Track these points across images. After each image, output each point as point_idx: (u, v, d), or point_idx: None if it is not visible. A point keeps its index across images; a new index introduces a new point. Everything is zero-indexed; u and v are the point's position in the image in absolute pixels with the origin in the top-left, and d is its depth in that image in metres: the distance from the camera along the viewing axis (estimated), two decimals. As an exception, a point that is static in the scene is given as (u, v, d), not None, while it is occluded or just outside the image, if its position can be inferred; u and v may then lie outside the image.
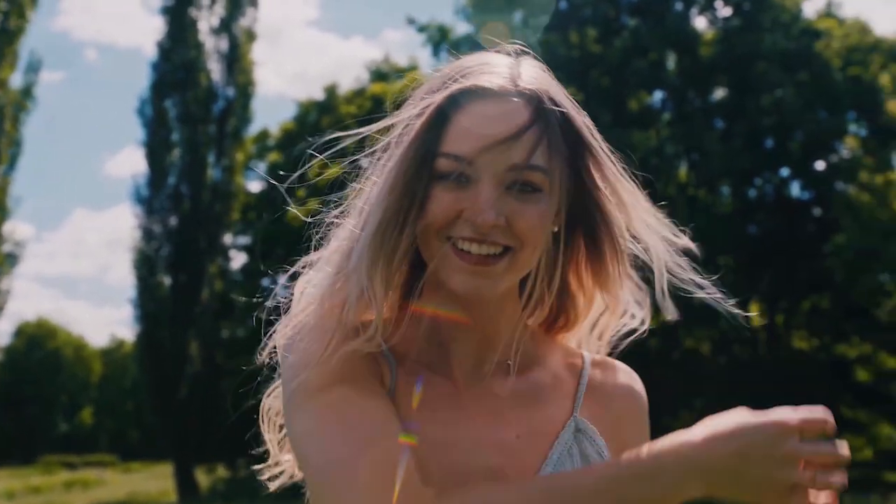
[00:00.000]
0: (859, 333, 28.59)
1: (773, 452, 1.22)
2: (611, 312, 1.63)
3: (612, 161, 1.54)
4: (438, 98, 1.42)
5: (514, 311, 1.49)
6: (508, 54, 1.51)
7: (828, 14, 30.89)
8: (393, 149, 1.45)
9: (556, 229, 1.47)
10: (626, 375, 1.63)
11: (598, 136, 1.52)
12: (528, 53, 1.53)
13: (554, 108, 1.43)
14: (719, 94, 30.13)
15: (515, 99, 1.41)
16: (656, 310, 1.68)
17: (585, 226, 1.52)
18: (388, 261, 1.40)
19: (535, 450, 1.44)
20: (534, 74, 1.47)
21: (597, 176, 1.50)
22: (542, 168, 1.39)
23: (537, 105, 1.41)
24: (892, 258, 22.91)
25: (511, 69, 1.46)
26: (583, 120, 1.50)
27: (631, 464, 1.26)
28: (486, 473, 1.38)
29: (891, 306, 24.92)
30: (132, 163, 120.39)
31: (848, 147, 28.34)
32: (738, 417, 1.26)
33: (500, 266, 1.39)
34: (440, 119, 1.41)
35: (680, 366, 28.61)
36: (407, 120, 1.45)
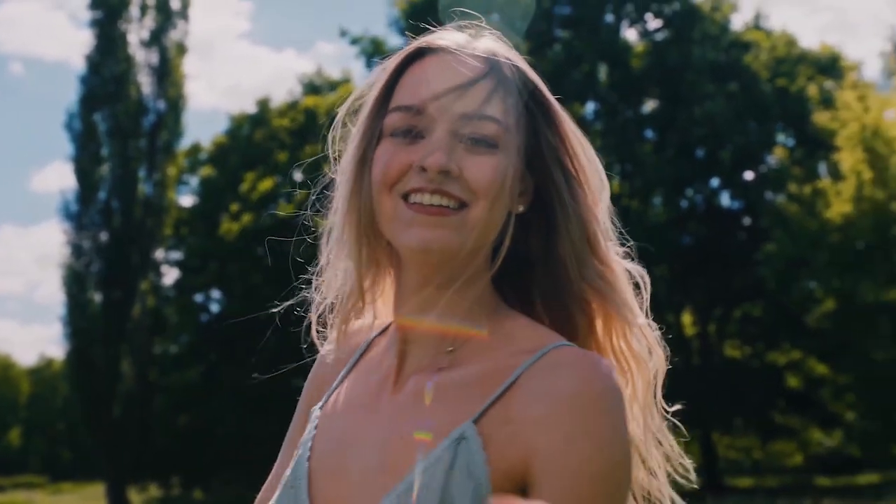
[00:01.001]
0: (790, 340, 29.05)
1: None
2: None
3: (573, 128, 1.49)
4: (393, 60, 1.41)
5: (461, 296, 1.37)
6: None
7: (756, 27, 31.46)
8: (356, 117, 1.43)
9: (521, 208, 1.41)
10: (569, 374, 1.25)
11: (557, 103, 1.47)
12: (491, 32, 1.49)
13: (511, 66, 1.40)
14: (651, 105, 30.49)
15: (470, 56, 1.37)
16: None
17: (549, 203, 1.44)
18: (365, 232, 1.39)
19: (412, 456, 1.27)
20: (492, 40, 1.45)
21: (558, 141, 1.45)
22: (496, 119, 1.33)
23: (493, 62, 1.38)
24: (821, 266, 23.31)
25: (469, 35, 1.45)
26: (543, 85, 1.45)
27: None
28: (363, 474, 1.30)
29: (820, 313, 25.34)
30: (60, 178, 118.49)
31: (776, 157, 28.83)
32: None
33: (454, 218, 1.31)
34: (394, 79, 1.39)
35: (615, 375, 28.83)
36: (365, 88, 1.44)
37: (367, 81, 1.46)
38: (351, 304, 1.44)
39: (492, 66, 1.37)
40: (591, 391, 1.23)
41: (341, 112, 1.49)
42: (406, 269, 1.39)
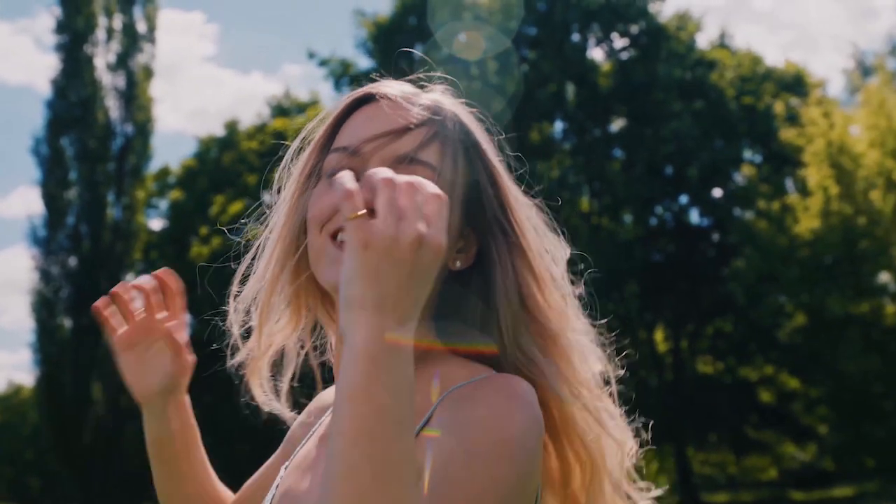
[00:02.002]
0: (762, 355, 29.21)
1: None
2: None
3: (515, 191, 1.48)
4: (337, 106, 1.43)
5: None
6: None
7: (721, 45, 31.74)
8: (299, 157, 1.45)
9: (458, 264, 1.38)
10: (473, 391, 1.23)
11: (499, 159, 1.47)
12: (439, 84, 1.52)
13: (454, 118, 1.41)
14: (618, 123, 30.65)
15: (412, 105, 1.38)
16: None
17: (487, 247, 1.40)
18: (291, 269, 1.40)
19: None
20: (439, 93, 1.47)
21: (498, 199, 1.43)
22: (430, 164, 1.32)
23: (435, 112, 1.39)
24: (791, 281, 23.48)
25: (413, 86, 1.46)
26: (486, 139, 1.46)
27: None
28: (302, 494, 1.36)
29: (790, 328, 25.51)
30: (27, 203, 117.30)
31: (744, 174, 29.05)
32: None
33: None
34: (338, 124, 1.41)
35: (588, 393, 28.83)
36: (311, 129, 1.46)
37: (309, 125, 1.47)
38: (258, 352, 1.48)
39: (433, 115, 1.38)
40: (479, 399, 1.20)
41: (288, 152, 1.49)
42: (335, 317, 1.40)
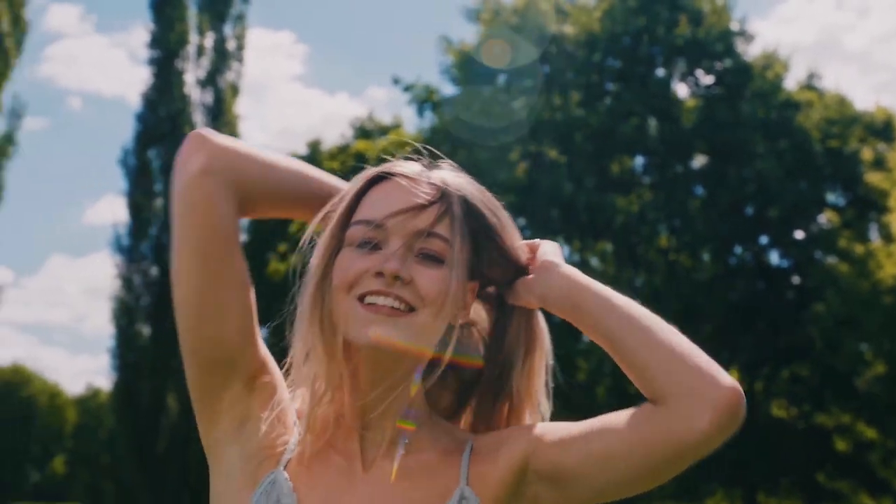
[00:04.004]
0: (838, 403, 28.60)
1: None
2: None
3: (512, 254, 1.71)
4: (357, 182, 1.65)
5: (407, 393, 1.60)
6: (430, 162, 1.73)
7: (808, 86, 31.31)
8: (326, 227, 1.65)
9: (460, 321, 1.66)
10: (512, 432, 1.68)
11: (505, 236, 1.70)
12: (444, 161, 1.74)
13: (459, 195, 1.63)
14: (700, 160, 30.39)
15: (425, 183, 1.61)
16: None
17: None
18: (322, 328, 1.58)
19: None
20: (446, 171, 1.69)
21: (497, 262, 1.68)
22: (443, 237, 1.57)
23: (444, 191, 1.62)
24: (872, 327, 22.99)
25: (425, 165, 1.69)
26: (492, 213, 1.69)
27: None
28: None
29: (870, 376, 24.96)
30: (112, 211, 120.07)
31: (826, 217, 28.58)
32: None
33: (404, 320, 1.52)
34: (358, 197, 1.63)
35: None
36: (337, 201, 1.65)
37: (333, 200, 1.67)
38: (323, 401, 1.60)
39: (443, 193, 1.61)
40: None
41: (314, 221, 1.69)
42: (362, 366, 1.58)
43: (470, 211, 1.63)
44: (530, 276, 1.67)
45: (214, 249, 1.49)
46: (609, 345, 1.57)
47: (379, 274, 1.52)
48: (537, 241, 1.74)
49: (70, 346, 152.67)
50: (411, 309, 1.52)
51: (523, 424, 1.70)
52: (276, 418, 1.60)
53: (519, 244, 1.72)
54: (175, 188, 1.50)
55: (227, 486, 1.57)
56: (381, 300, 1.51)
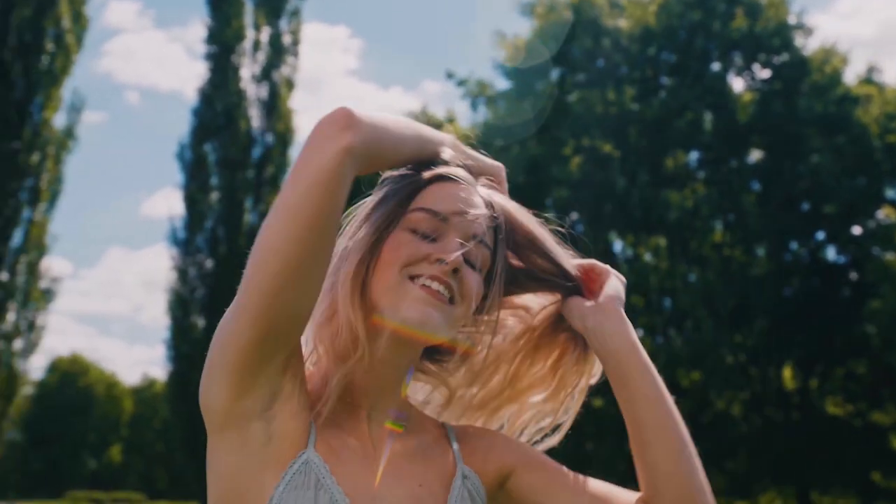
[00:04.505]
0: (895, 400, 28.24)
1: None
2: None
3: (555, 268, 1.84)
4: (420, 174, 1.72)
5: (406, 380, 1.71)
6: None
7: (868, 80, 30.85)
8: (379, 204, 1.72)
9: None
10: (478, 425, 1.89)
11: (548, 249, 1.81)
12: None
13: (502, 211, 1.76)
14: (756, 155, 30.10)
15: (476, 194, 1.72)
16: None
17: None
18: (358, 297, 1.63)
19: (437, 498, 1.64)
20: (487, 184, 1.80)
21: (537, 276, 1.83)
22: (490, 247, 1.69)
23: (489, 203, 1.73)
24: (930, 325, 22.68)
25: (473, 177, 1.78)
26: (533, 226, 1.81)
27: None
28: None
29: (927, 374, 24.63)
30: (168, 204, 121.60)
31: (885, 213, 28.19)
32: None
33: (447, 308, 1.61)
34: (418, 186, 1.70)
35: (710, 428, 28.33)
36: (393, 182, 1.74)
37: (395, 174, 1.77)
38: (348, 366, 1.66)
39: (491, 205, 1.72)
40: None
41: (387, 173, 1.78)
42: (385, 344, 1.64)
43: (513, 226, 1.76)
44: (589, 304, 1.78)
45: (328, 225, 1.48)
46: (635, 429, 1.72)
47: (439, 261, 1.60)
48: (598, 264, 1.84)
49: (127, 337, 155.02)
50: (451, 301, 1.62)
51: (509, 437, 1.84)
52: (303, 399, 1.62)
53: (566, 258, 1.82)
54: (308, 158, 1.46)
55: (246, 463, 1.57)
56: (435, 285, 1.59)
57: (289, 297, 1.50)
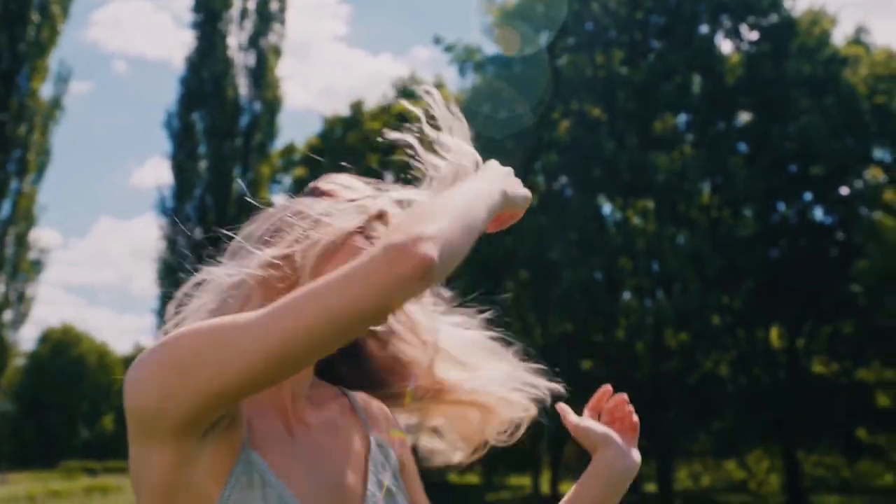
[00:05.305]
0: (880, 358, 28.49)
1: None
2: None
3: None
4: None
5: None
6: None
7: (856, 41, 30.88)
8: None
9: None
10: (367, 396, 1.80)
11: None
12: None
13: None
14: (744, 117, 30.16)
15: None
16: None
17: None
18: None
19: (358, 469, 1.62)
20: None
21: None
22: None
23: None
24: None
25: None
26: None
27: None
28: (339, 489, 1.57)
29: (913, 332, 24.84)
30: (157, 174, 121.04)
31: (872, 173, 28.33)
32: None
33: None
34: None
35: (698, 389, 28.58)
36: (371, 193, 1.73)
37: (372, 191, 1.73)
38: None
39: None
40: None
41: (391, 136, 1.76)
42: None
43: None
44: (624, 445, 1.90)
45: (353, 335, 1.38)
46: None
47: None
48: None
49: (117, 307, 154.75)
50: None
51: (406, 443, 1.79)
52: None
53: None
54: (369, 290, 1.32)
55: (188, 477, 1.42)
56: None
57: (302, 365, 1.39)
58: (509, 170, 1.64)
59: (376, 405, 1.78)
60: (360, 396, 1.77)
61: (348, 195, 1.72)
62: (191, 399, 1.33)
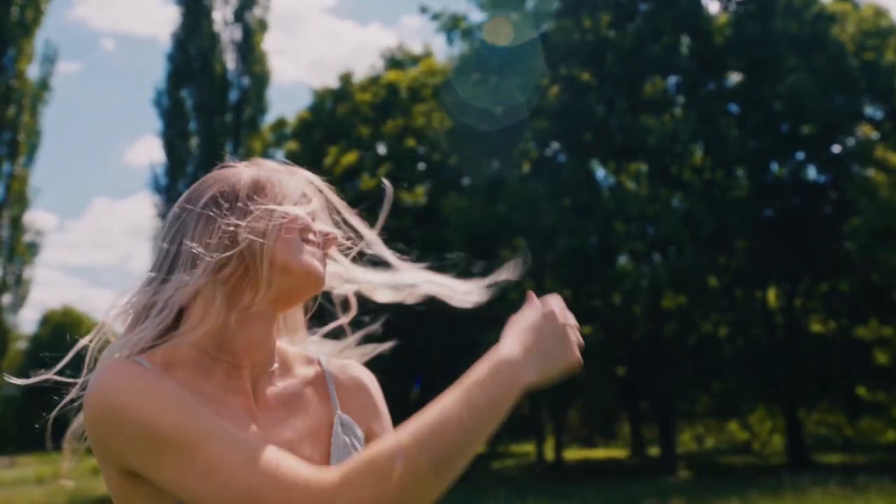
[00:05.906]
0: (878, 315, 28.58)
1: (560, 330, 1.56)
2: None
3: None
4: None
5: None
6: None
7: (843, -2, 30.76)
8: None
9: None
10: (357, 369, 1.79)
11: None
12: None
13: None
14: (734, 78, 30.10)
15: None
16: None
17: None
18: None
19: (318, 450, 1.60)
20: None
21: None
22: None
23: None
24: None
25: None
26: None
27: (473, 380, 1.45)
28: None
29: (908, 288, 24.93)
30: (150, 152, 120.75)
31: (863, 131, 28.30)
32: (528, 318, 1.58)
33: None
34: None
35: (696, 350, 28.68)
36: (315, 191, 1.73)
37: (313, 190, 1.72)
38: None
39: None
40: (371, 375, 1.82)
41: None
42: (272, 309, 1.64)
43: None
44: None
45: None
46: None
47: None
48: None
49: (117, 287, 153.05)
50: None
51: (379, 399, 1.78)
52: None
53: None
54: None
55: (136, 496, 1.48)
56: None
57: None
58: (569, 326, 1.60)
59: (349, 376, 1.77)
60: (336, 367, 1.77)
61: (277, 192, 1.64)
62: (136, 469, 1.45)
